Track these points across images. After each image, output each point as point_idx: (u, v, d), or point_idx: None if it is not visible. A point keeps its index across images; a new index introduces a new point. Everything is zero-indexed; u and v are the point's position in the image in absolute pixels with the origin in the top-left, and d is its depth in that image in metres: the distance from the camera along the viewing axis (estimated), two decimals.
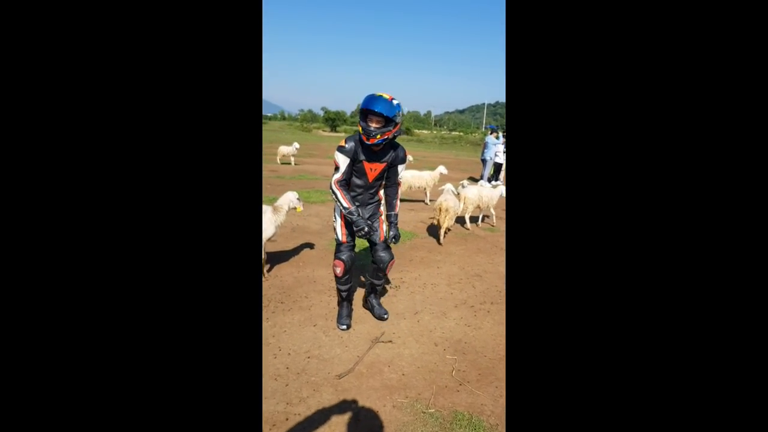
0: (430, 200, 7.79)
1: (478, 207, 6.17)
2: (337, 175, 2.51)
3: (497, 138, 11.17)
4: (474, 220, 6.43)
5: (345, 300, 2.89)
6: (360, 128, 2.39)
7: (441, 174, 7.85)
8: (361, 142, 2.44)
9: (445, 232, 5.47)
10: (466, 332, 2.88)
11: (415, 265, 4.25)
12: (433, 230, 5.80)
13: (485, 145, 10.97)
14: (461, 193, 5.84)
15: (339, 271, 2.71)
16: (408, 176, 7.48)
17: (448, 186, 5.99)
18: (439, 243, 5.20)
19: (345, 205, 2.51)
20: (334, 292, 3.37)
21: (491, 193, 6.23)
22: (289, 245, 4.52)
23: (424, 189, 7.68)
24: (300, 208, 3.70)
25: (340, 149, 2.47)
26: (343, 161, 2.47)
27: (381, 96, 2.35)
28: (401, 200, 7.69)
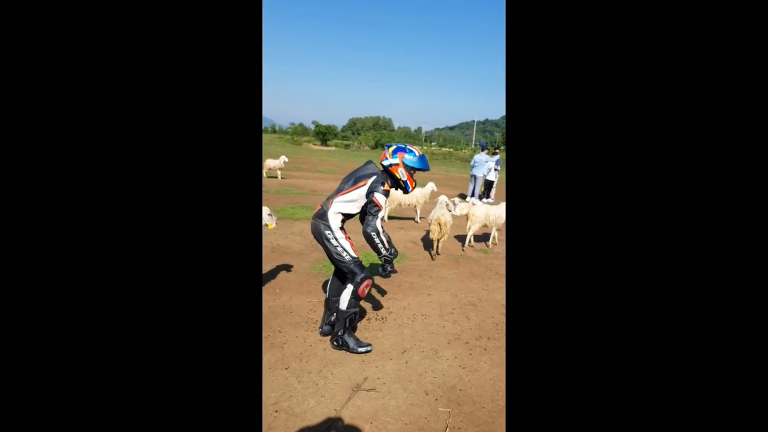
0: (421, 218, 7.47)
1: (485, 225, 5.91)
2: (382, 214, 2.59)
3: (489, 155, 11.01)
4: (480, 238, 6.12)
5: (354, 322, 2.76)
6: (402, 181, 2.68)
7: (432, 191, 7.58)
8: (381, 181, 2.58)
9: (441, 246, 5.44)
10: (460, 376, 2.51)
11: (404, 292, 3.89)
12: (425, 249, 5.47)
13: (474, 162, 10.86)
14: (469, 211, 5.67)
15: (368, 290, 2.63)
16: (398, 194, 7.16)
17: (443, 198, 5.95)
18: (433, 257, 5.23)
19: (394, 249, 2.69)
20: (312, 326, 2.99)
21: (498, 212, 5.96)
22: (266, 267, 4.13)
23: (415, 206, 7.36)
24: (272, 225, 3.34)
25: (386, 193, 2.56)
26: (384, 202, 2.56)
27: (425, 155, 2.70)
28: (391, 218, 7.41)
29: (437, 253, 5.36)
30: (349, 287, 2.63)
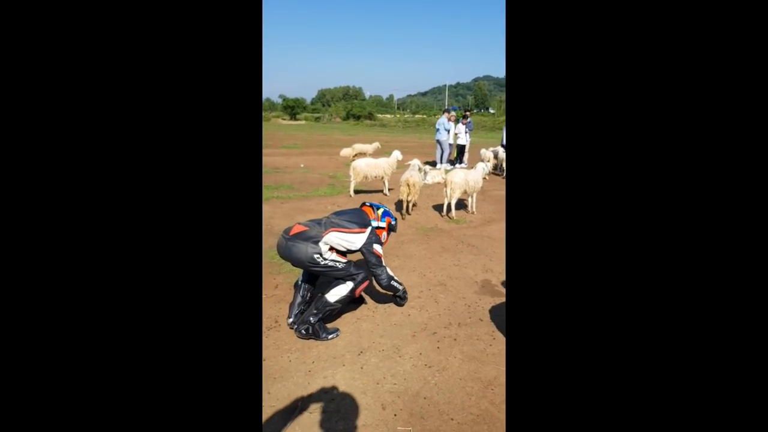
0: (390, 189, 7.02)
1: (465, 192, 5.54)
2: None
3: (456, 121, 10.55)
4: (457, 206, 5.72)
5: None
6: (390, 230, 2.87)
7: (398, 160, 7.11)
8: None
9: (413, 207, 5.72)
10: (426, 379, 2.13)
11: None
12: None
13: (437, 127, 10.45)
14: (447, 178, 5.47)
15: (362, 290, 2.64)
16: (362, 165, 6.66)
17: (415, 161, 6.27)
18: (403, 217, 5.48)
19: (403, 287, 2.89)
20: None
21: (476, 176, 5.61)
22: None
23: (382, 178, 6.88)
24: None
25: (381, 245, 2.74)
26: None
27: None
28: (358, 192, 6.95)
29: (407, 212, 5.57)
30: (349, 284, 2.52)
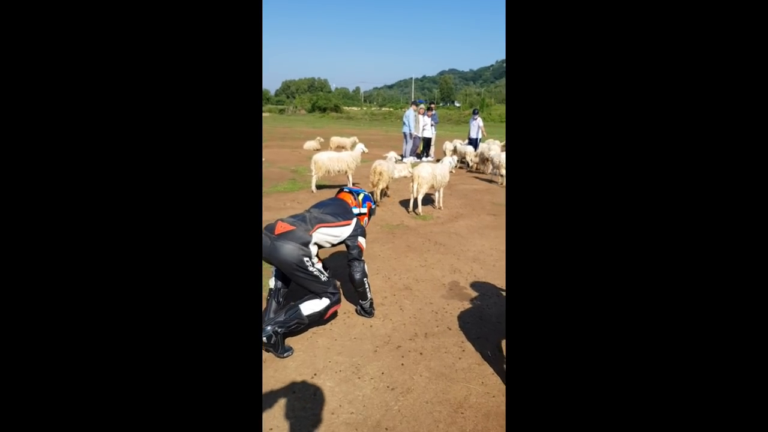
0: (354, 184, 6.71)
1: (432, 187, 5.30)
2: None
3: (422, 114, 10.36)
4: (425, 201, 5.48)
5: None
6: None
7: (363, 152, 6.82)
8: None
9: (382, 193, 5.96)
10: (388, 405, 1.87)
11: None
12: None
13: (404, 119, 10.26)
14: (413, 173, 5.22)
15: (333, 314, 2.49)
16: (324, 159, 6.32)
17: (392, 154, 6.70)
18: (378, 204, 5.61)
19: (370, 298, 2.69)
20: None
21: (443, 170, 5.39)
22: None
23: (346, 172, 6.57)
24: None
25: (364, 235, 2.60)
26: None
27: None
28: (320, 187, 6.61)
29: (378, 201, 5.79)
30: (325, 301, 2.31)
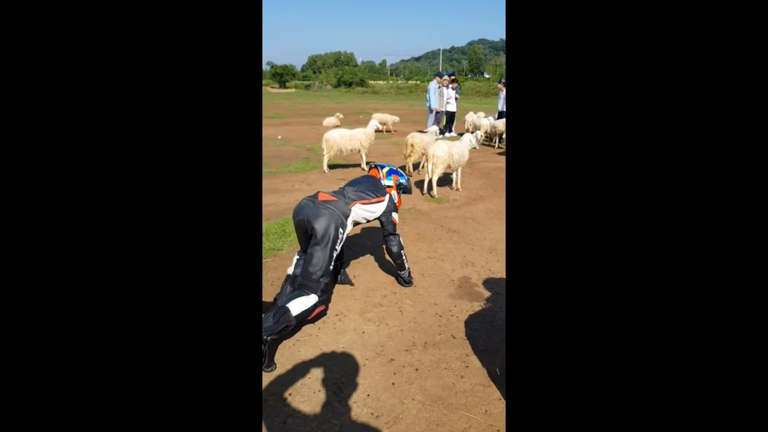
0: (367, 163, 6.35)
1: (449, 166, 4.91)
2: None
3: (446, 86, 9.75)
4: (443, 181, 5.08)
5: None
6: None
7: (376, 129, 6.41)
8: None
9: (414, 169, 6.05)
10: None
11: None
12: None
13: (428, 92, 9.68)
14: (428, 152, 4.82)
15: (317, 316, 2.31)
16: (336, 137, 5.96)
17: (433, 127, 6.83)
18: (411, 175, 5.84)
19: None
20: None
21: (461, 149, 4.95)
22: None
23: (359, 150, 6.20)
24: None
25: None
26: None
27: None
28: (333, 167, 6.30)
29: (409, 174, 5.87)
30: (312, 298, 2.11)
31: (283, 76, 49.67)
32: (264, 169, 6.17)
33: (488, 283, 2.84)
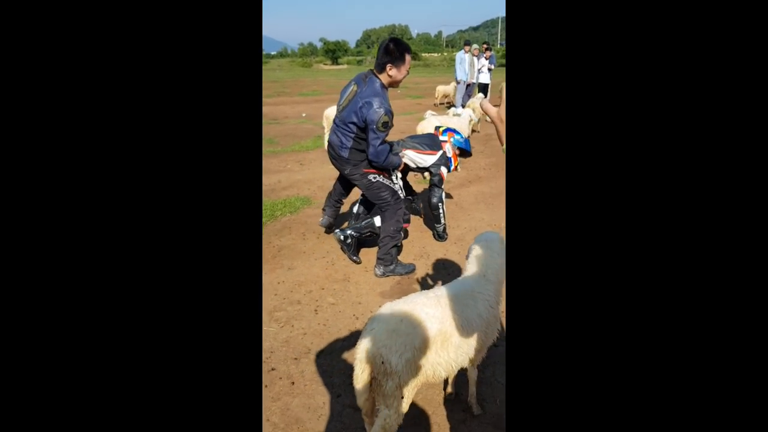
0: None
1: None
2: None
3: (477, 56, 9.03)
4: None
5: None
6: (447, 157, 3.04)
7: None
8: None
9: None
10: None
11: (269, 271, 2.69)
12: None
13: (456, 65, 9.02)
14: (417, 129, 4.53)
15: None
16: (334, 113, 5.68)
17: (479, 95, 6.28)
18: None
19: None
20: None
21: (461, 125, 4.56)
22: None
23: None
24: None
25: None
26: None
27: None
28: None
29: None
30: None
31: (335, 52, 49.59)
32: (267, 149, 6.06)
33: (434, 278, 2.50)
